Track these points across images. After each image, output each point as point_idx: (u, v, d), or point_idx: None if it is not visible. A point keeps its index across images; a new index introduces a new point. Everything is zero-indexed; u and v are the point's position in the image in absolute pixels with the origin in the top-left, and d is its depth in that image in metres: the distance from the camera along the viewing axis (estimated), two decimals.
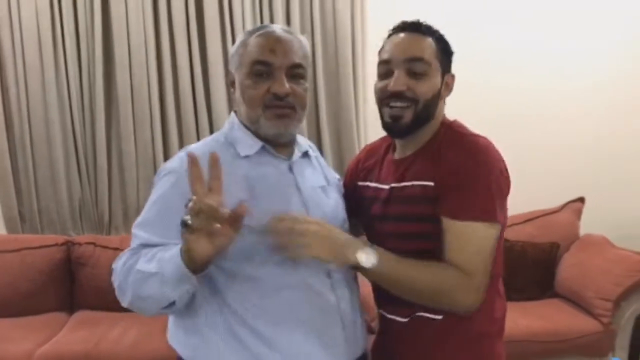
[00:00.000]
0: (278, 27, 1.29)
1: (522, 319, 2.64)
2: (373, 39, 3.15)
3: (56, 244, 2.90)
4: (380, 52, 1.35)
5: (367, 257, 1.17)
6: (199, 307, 1.22)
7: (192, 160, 1.04)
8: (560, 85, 3.35)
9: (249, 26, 3.06)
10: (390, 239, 1.27)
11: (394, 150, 1.40)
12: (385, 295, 1.31)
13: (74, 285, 2.94)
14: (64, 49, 2.99)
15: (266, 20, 3.10)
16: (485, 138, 1.27)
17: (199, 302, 1.21)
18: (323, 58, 3.17)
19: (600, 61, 3.37)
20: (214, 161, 1.06)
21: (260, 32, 1.27)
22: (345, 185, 1.52)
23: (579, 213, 3.19)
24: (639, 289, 2.63)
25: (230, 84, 1.34)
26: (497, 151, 1.25)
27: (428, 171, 1.26)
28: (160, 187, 1.24)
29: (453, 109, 1.41)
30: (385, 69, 1.30)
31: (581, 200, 3.20)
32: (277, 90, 1.22)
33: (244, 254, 1.17)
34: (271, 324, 1.20)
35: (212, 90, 3.08)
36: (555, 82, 3.35)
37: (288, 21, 3.12)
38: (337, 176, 1.50)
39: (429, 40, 1.29)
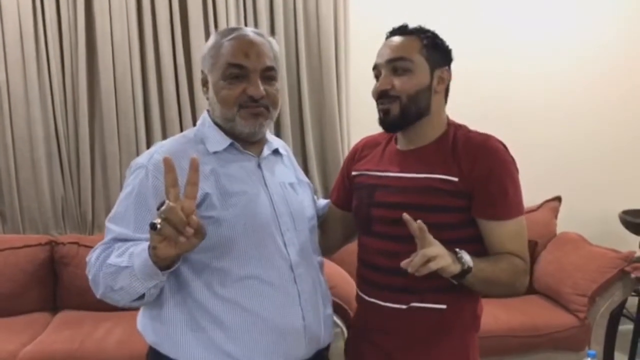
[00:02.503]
0: (249, 30, 1.34)
1: (502, 314, 2.71)
2: (356, 38, 3.20)
3: (39, 244, 2.88)
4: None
5: (465, 257, 1.25)
6: (164, 299, 1.28)
7: (168, 166, 1.07)
8: (537, 87, 3.44)
9: (233, 22, 3.08)
10: (398, 227, 1.31)
11: (396, 141, 1.49)
12: (379, 284, 1.40)
13: (57, 285, 2.92)
14: (46, 46, 2.96)
15: (250, 18, 3.12)
16: (494, 137, 1.40)
17: (165, 294, 1.28)
18: (306, 57, 3.20)
19: (578, 64, 3.45)
20: (195, 167, 1.09)
21: (233, 35, 1.32)
22: (341, 175, 1.62)
23: (555, 212, 3.28)
24: (613, 284, 2.72)
25: (202, 83, 1.39)
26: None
27: (449, 167, 1.36)
28: (131, 182, 1.29)
29: None
30: (376, 73, 1.42)
31: (558, 199, 3.29)
32: (253, 93, 1.29)
33: (208, 246, 1.21)
34: (232, 314, 1.25)
35: (195, 88, 3.08)
36: (532, 83, 3.43)
37: (272, 20, 3.14)
38: (308, 180, 1.57)
39: (412, 39, 1.39)
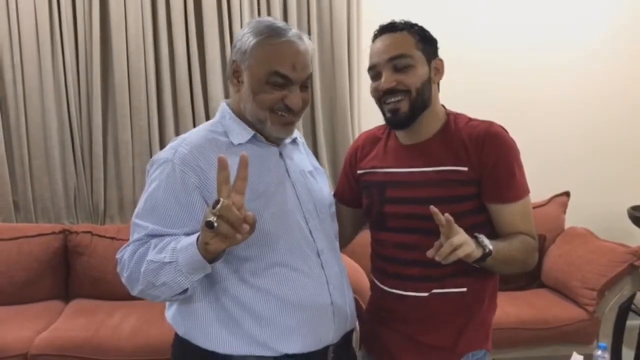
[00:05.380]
0: (294, 33, 1.32)
1: (511, 307, 2.74)
2: (368, 33, 3.19)
3: (53, 233, 2.91)
4: (369, 58, 1.46)
5: (485, 241, 1.29)
6: (194, 290, 1.27)
7: (222, 164, 1.08)
8: (546, 82, 3.44)
9: (246, 16, 3.08)
10: (415, 220, 1.37)
11: (396, 136, 1.51)
12: (400, 275, 1.44)
13: (70, 274, 2.95)
14: (61, 37, 2.98)
15: (263, 10, 3.12)
16: (495, 123, 1.44)
17: (194, 285, 1.26)
18: (319, 51, 3.21)
19: (587, 58, 3.45)
20: (244, 163, 1.11)
21: (281, 39, 1.30)
22: (345, 174, 1.63)
23: (564, 207, 3.30)
24: (622, 279, 2.74)
25: (232, 73, 1.36)
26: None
27: (457, 158, 1.39)
28: (157, 176, 1.27)
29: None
30: (374, 72, 1.44)
31: (566, 194, 3.31)
32: (292, 106, 1.30)
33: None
34: (262, 301, 1.27)
35: (209, 79, 3.09)
36: (541, 77, 3.43)
37: (285, 13, 3.15)
38: (322, 167, 1.58)
39: (405, 35, 1.42)
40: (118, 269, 1.28)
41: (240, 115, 1.36)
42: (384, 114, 1.45)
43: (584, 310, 2.75)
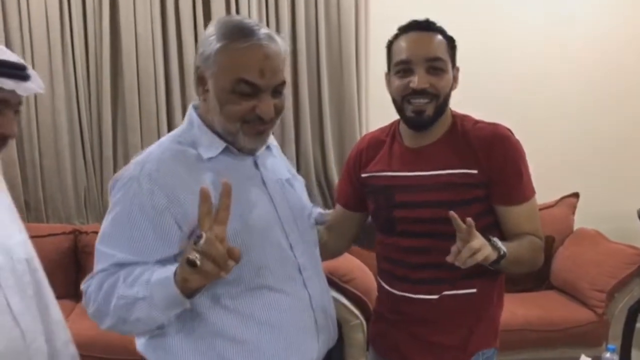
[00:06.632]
0: (264, 34, 1.17)
1: (520, 309, 2.73)
2: (376, 33, 3.21)
3: (64, 233, 2.94)
4: (393, 49, 1.44)
5: (499, 243, 1.29)
6: (171, 324, 1.17)
7: (205, 196, 1.02)
8: (555, 81, 3.43)
9: (255, 13, 3.09)
10: (425, 224, 1.37)
11: (401, 139, 1.49)
12: (410, 279, 1.43)
13: (79, 274, 2.97)
14: (72, 39, 3.01)
15: (271, 9, 3.13)
16: (502, 125, 1.44)
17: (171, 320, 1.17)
18: (327, 51, 3.23)
19: (597, 58, 3.44)
20: (227, 191, 1.05)
21: (247, 44, 1.15)
22: (347, 177, 1.60)
23: (573, 208, 3.29)
24: (632, 280, 2.73)
25: (197, 80, 1.22)
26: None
27: (466, 161, 1.39)
28: (122, 197, 1.15)
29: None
30: (404, 67, 1.39)
31: (575, 195, 3.30)
32: (263, 115, 1.18)
33: None
34: (243, 326, 1.19)
35: None
36: (550, 77, 3.42)
37: (293, 14, 3.17)
38: (295, 172, 1.48)
39: (441, 38, 1.41)
40: (83, 302, 1.17)
41: (209, 124, 1.23)
42: (402, 112, 1.42)
43: (592, 312, 2.74)
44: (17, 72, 1.08)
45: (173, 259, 1.14)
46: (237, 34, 1.16)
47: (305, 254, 1.30)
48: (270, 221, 1.24)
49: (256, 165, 1.28)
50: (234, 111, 1.17)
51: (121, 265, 1.13)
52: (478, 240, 1.21)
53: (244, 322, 1.19)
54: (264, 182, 1.27)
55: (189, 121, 1.26)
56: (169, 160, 1.17)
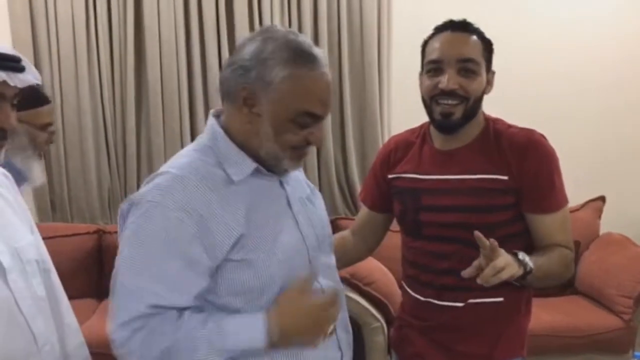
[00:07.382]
0: (322, 59, 1.13)
1: (545, 314, 2.68)
2: (399, 35, 3.20)
3: (88, 233, 2.98)
4: (426, 49, 1.41)
5: (526, 259, 1.26)
6: None
7: (334, 301, 1.13)
8: (581, 82, 3.38)
9: (277, 19, 3.10)
10: (452, 229, 1.34)
11: (432, 140, 1.46)
12: (434, 285, 1.41)
13: (102, 273, 3.00)
14: (97, 41, 3.06)
15: (294, 14, 3.14)
16: (536, 131, 1.40)
17: None
18: (349, 54, 3.22)
19: (624, 60, 3.38)
20: (333, 301, 1.13)
21: (311, 72, 1.11)
22: (374, 178, 1.57)
23: (599, 212, 3.23)
24: None
25: (243, 100, 1.12)
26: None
27: (497, 166, 1.36)
28: (144, 224, 1.06)
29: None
30: (435, 67, 1.36)
31: (602, 199, 3.24)
32: (318, 144, 1.18)
33: (240, 290, 1.11)
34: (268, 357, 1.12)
35: None
36: (576, 78, 3.37)
37: (315, 19, 3.17)
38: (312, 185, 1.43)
39: (476, 39, 1.37)
40: (118, 352, 1.07)
41: (239, 142, 1.15)
42: (431, 114, 1.40)
43: (619, 318, 2.68)
44: (8, 63, 1.06)
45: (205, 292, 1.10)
46: (303, 60, 1.10)
47: (328, 279, 1.26)
48: (296, 245, 1.19)
49: (282, 184, 1.23)
50: (291, 140, 1.13)
51: (162, 307, 1.04)
52: (502, 259, 1.17)
53: (268, 353, 1.12)
54: (288, 203, 1.22)
55: (212, 134, 1.18)
56: (196, 184, 1.08)
